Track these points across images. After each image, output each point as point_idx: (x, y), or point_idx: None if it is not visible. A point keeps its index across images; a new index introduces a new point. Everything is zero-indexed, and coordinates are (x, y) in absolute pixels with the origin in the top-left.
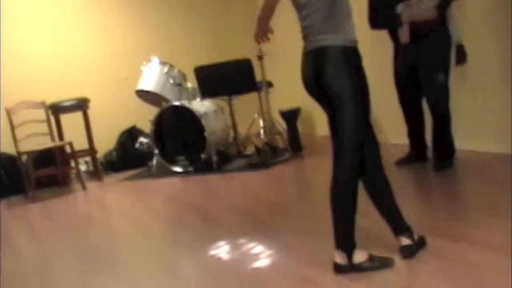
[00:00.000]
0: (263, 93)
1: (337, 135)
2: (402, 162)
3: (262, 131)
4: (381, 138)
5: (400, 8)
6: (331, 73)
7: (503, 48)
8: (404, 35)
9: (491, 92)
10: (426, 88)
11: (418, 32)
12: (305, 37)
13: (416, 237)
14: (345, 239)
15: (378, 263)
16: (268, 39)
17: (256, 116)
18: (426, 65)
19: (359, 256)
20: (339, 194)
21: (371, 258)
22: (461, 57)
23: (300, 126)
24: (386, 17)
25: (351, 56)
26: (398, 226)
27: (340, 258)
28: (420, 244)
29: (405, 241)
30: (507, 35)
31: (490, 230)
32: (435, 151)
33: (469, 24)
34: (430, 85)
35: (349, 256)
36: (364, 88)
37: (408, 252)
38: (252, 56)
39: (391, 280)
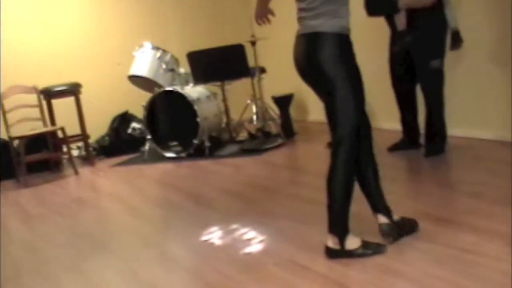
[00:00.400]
0: (256, 79)
1: (333, 121)
2: (394, 148)
3: (254, 117)
4: (374, 123)
5: None
6: (326, 58)
7: (499, 34)
8: (401, 22)
9: (485, 78)
10: (420, 74)
11: (414, 18)
12: (301, 20)
13: (397, 218)
14: (338, 224)
15: (371, 250)
16: (269, 20)
17: (249, 101)
18: (421, 51)
19: (352, 243)
20: (336, 179)
21: (364, 244)
22: (456, 42)
23: (293, 112)
24: (383, 4)
25: (345, 42)
26: (377, 204)
27: (332, 242)
28: (402, 226)
29: (382, 219)
30: (502, 21)
31: (481, 216)
32: (427, 137)
33: (464, 8)
34: (424, 71)
35: (341, 241)
36: (357, 74)
37: (386, 230)
38: (245, 41)
39: (383, 265)
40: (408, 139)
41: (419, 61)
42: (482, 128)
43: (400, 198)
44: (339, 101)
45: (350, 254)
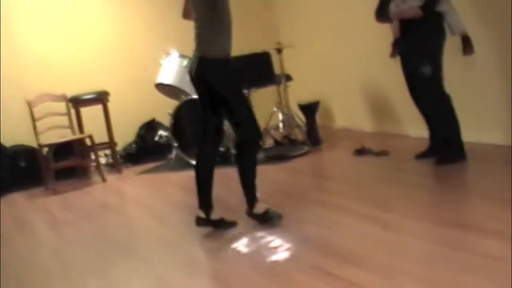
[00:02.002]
0: (282, 86)
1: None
2: (422, 156)
3: (281, 124)
4: (401, 131)
5: (391, 5)
6: (213, 77)
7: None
8: (395, 29)
9: (497, 84)
10: (412, 80)
11: (406, 27)
12: (196, 44)
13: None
14: (206, 201)
15: (226, 224)
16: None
17: (275, 109)
18: (411, 57)
19: (215, 215)
20: (206, 168)
21: (222, 220)
22: (467, 47)
23: (319, 118)
24: (382, 13)
25: (225, 64)
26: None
27: (202, 214)
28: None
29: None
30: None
31: (507, 222)
32: (436, 145)
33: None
34: (415, 77)
35: (208, 214)
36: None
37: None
38: (271, 49)
39: (410, 272)
40: (434, 147)
41: (408, 67)
42: (496, 134)
43: (427, 206)
44: (235, 112)
45: (214, 223)
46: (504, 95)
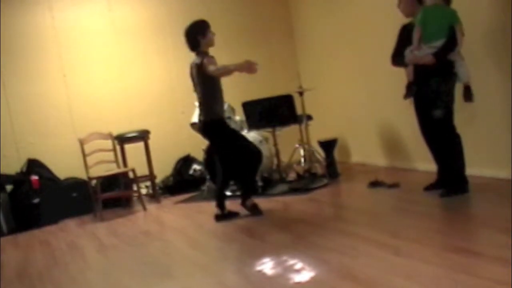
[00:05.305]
0: (303, 125)
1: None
2: (430, 188)
3: (302, 159)
4: (410, 165)
5: (406, 51)
6: (211, 134)
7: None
8: (409, 74)
9: (498, 121)
10: (424, 122)
11: (420, 72)
12: (200, 110)
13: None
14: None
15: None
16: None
17: (297, 145)
18: (423, 102)
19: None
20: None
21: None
22: (468, 96)
23: (337, 154)
24: (398, 58)
25: (218, 124)
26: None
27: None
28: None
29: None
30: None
31: (509, 249)
32: (441, 179)
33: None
34: (427, 119)
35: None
36: (235, 135)
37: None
38: (293, 92)
39: None
40: (442, 179)
41: (421, 109)
42: (497, 168)
43: (435, 233)
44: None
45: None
46: (509, 132)
